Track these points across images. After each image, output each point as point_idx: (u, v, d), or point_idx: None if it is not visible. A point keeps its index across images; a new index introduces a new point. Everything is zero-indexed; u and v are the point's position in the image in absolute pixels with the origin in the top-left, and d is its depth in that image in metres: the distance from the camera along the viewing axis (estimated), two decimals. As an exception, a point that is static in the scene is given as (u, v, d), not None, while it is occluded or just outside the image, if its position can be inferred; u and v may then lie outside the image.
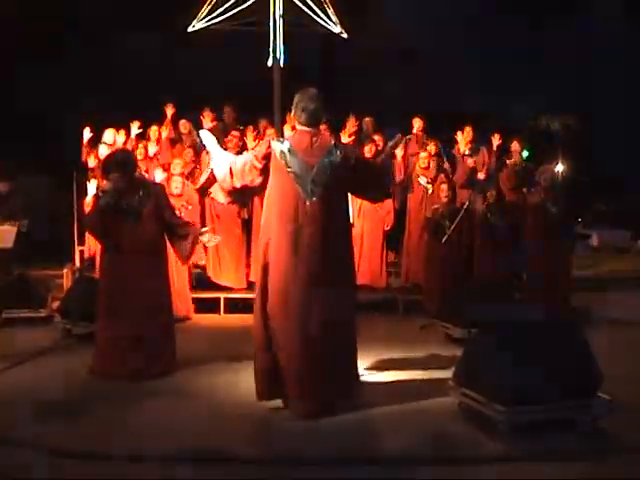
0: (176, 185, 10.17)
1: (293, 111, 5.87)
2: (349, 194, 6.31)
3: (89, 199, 9.70)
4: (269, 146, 5.81)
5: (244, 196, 6.17)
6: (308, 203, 5.64)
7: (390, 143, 6.38)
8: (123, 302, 6.90)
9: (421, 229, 10.78)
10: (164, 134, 11.91)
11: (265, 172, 5.82)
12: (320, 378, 5.58)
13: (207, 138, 6.33)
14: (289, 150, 5.68)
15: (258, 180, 5.86)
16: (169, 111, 12.50)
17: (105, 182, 7.18)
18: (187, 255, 7.21)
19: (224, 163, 6.00)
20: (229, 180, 5.96)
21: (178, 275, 9.78)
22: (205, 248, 10.11)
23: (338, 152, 5.76)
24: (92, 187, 9.63)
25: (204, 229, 7.53)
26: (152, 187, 7.28)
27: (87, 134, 11.56)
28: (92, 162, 11.14)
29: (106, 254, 7.14)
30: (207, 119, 12.37)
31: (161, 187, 7.66)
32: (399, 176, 11.28)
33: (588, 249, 20.21)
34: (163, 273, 7.18)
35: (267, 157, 5.79)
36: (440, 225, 10.13)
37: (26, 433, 5.20)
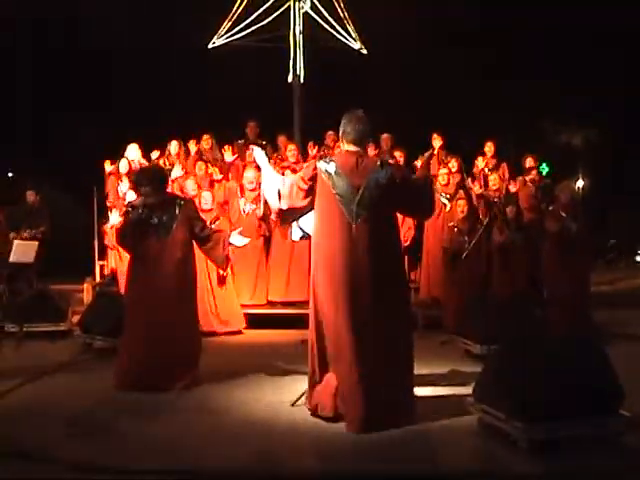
0: (205, 201, 10.22)
1: (340, 132, 5.90)
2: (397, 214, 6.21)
3: (111, 225, 9.95)
4: (315, 168, 5.82)
5: (292, 216, 6.15)
6: (354, 225, 5.64)
7: (425, 155, 6.36)
8: (149, 316, 6.93)
9: (440, 248, 10.73)
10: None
11: (311, 193, 5.83)
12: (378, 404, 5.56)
13: (259, 156, 6.35)
14: (335, 172, 5.69)
15: (303, 203, 5.88)
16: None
17: (137, 196, 7.33)
18: (222, 260, 7.31)
19: (273, 185, 6.02)
20: (277, 202, 5.99)
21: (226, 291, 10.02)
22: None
23: (384, 172, 5.75)
24: (114, 216, 9.70)
25: (234, 231, 7.59)
26: (183, 202, 7.31)
27: (108, 167, 11.63)
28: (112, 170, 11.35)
29: (134, 268, 7.16)
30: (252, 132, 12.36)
31: (191, 202, 7.76)
32: None
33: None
34: (190, 288, 7.20)
35: (313, 179, 5.79)
36: (456, 255, 10.10)
37: (44, 447, 5.20)
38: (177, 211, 7.04)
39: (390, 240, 5.84)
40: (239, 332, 10.08)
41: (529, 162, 11.88)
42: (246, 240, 7.51)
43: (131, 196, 9.92)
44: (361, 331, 5.56)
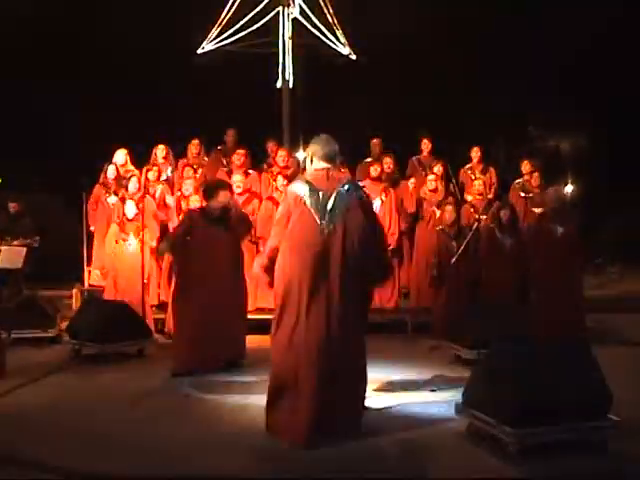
0: (194, 204, 10.23)
1: (310, 154, 6.06)
2: None
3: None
4: (287, 196, 5.98)
5: None
6: (326, 231, 5.69)
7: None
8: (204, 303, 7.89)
9: (429, 255, 10.73)
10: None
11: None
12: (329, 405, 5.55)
13: None
14: (310, 188, 5.79)
15: None
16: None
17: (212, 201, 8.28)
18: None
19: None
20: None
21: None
22: None
23: (354, 188, 5.91)
24: (112, 199, 10.43)
25: None
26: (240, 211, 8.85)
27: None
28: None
29: (188, 265, 8.10)
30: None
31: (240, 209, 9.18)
32: (411, 208, 11.27)
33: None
34: (241, 277, 8.37)
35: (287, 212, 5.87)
36: (441, 274, 10.13)
37: (33, 453, 5.19)
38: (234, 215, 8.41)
39: (360, 251, 5.81)
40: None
41: (525, 166, 11.87)
42: None
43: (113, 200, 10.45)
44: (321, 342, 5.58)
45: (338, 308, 5.61)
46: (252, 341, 9.84)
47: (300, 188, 5.85)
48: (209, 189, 8.43)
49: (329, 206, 5.73)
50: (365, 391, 5.94)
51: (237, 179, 10.71)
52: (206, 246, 8.04)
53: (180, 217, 9.61)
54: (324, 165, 5.93)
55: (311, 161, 6.06)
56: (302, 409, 5.50)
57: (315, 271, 5.63)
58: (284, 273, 5.78)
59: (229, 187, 8.70)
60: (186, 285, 8.11)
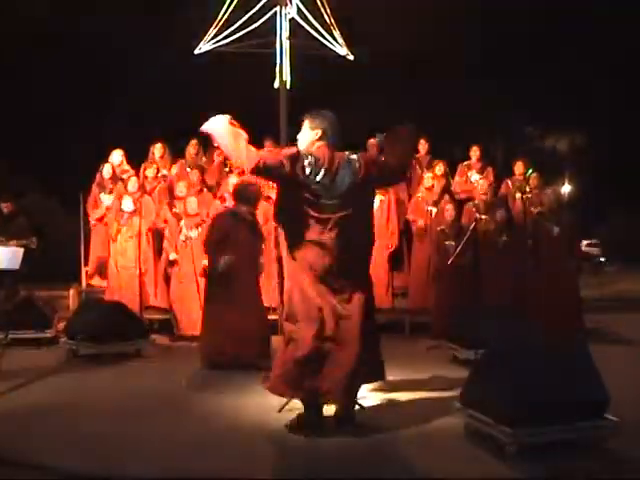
0: (192, 206, 10.23)
1: (320, 130, 5.92)
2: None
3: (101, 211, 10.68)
4: (298, 151, 5.85)
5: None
6: (325, 215, 5.71)
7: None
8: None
9: (427, 255, 10.74)
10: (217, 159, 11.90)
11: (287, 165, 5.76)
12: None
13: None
14: (314, 162, 5.74)
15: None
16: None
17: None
18: None
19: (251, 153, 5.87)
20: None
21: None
22: None
23: (354, 162, 5.84)
24: (106, 199, 10.43)
25: None
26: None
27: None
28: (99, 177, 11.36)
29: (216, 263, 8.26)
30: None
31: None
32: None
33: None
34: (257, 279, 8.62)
35: (296, 158, 5.77)
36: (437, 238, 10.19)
37: (29, 453, 5.20)
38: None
39: (364, 227, 5.92)
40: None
41: (518, 167, 11.85)
42: None
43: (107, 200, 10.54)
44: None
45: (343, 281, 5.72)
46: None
47: (307, 161, 5.76)
48: (242, 191, 8.55)
49: (333, 183, 5.72)
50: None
51: (234, 181, 10.70)
52: (235, 247, 8.19)
53: (210, 218, 9.64)
54: (325, 143, 5.87)
55: (318, 137, 5.91)
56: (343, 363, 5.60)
57: (321, 251, 5.67)
58: (289, 258, 5.84)
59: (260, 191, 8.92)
60: (215, 285, 8.26)
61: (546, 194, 9.85)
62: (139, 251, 9.91)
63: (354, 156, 5.89)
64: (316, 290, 5.69)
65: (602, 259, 22.28)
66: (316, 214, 5.72)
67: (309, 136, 5.95)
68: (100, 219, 11.14)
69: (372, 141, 12.53)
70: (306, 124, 5.99)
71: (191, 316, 9.92)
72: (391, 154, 6.10)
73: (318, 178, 5.72)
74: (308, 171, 5.72)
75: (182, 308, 10.06)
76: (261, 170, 5.72)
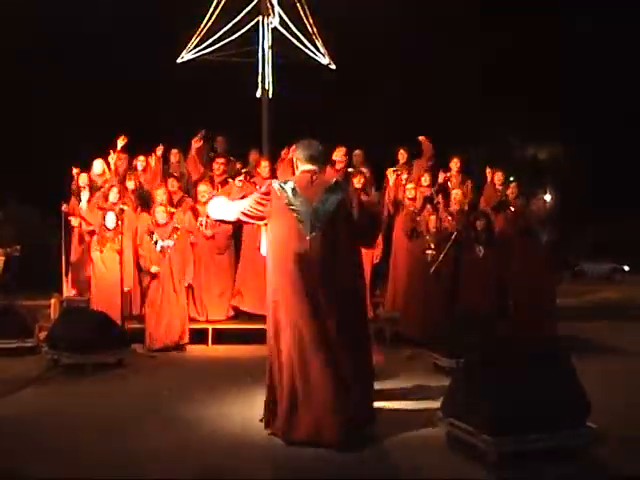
0: (162, 215, 10.18)
1: (295, 158, 6.13)
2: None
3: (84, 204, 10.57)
4: (270, 185, 5.98)
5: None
6: (309, 238, 5.72)
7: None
8: None
9: (407, 263, 10.78)
10: (195, 146, 11.77)
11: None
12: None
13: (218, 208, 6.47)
14: (292, 189, 5.84)
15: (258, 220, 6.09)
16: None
17: None
18: None
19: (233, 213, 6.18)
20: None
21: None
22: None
23: (341, 190, 5.92)
24: (85, 194, 10.49)
25: None
26: None
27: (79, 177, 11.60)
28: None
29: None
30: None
31: None
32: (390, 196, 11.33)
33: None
34: None
35: (267, 193, 5.94)
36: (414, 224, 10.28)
37: (6, 465, 5.17)
38: None
39: (346, 252, 5.89)
40: (183, 348, 10.04)
41: (497, 177, 11.88)
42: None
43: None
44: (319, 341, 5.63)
45: (327, 310, 5.67)
46: (230, 350, 9.89)
47: (284, 189, 5.86)
48: None
49: (313, 212, 5.76)
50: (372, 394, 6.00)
51: (202, 189, 10.70)
52: None
53: None
54: (309, 167, 5.97)
55: (296, 166, 6.10)
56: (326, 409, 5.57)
57: (300, 279, 5.68)
58: (270, 282, 5.89)
59: None
60: None
61: (535, 203, 9.93)
62: (121, 264, 9.85)
63: (341, 184, 6.03)
64: (298, 311, 5.69)
65: (581, 267, 22.41)
66: (301, 241, 5.74)
67: (295, 164, 6.12)
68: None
69: (357, 152, 12.57)
70: (293, 153, 6.18)
71: (167, 327, 9.90)
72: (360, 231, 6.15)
73: (297, 204, 5.78)
74: (287, 199, 5.82)
75: (158, 319, 9.96)
76: (244, 221, 6.16)
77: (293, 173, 6.24)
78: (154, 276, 10.01)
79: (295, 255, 5.72)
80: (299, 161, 6.07)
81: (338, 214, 5.81)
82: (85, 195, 10.58)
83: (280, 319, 5.79)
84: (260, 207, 5.96)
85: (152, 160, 11.76)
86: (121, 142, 11.60)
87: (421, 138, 12.17)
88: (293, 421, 5.63)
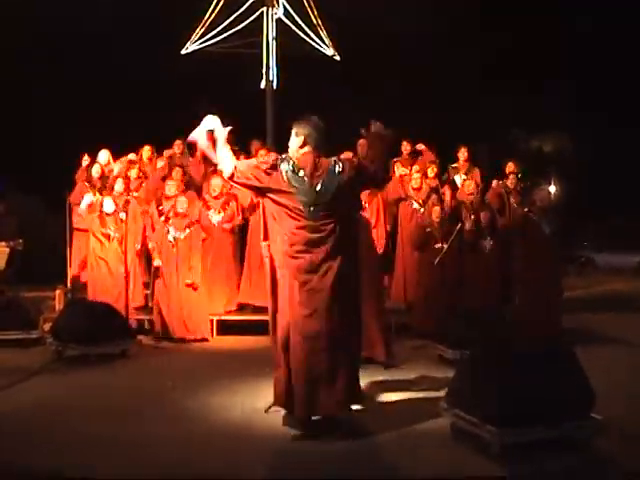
0: (182, 205, 10.17)
1: (303, 137, 5.90)
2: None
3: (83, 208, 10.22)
4: (274, 161, 5.84)
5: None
6: (312, 222, 5.68)
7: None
8: None
9: (411, 248, 10.79)
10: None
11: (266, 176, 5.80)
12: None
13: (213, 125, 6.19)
14: (292, 169, 5.73)
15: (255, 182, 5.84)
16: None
17: None
18: None
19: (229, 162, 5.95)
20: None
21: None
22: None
23: (338, 167, 5.80)
24: (88, 198, 10.15)
25: None
26: None
27: (85, 161, 11.59)
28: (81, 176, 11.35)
29: None
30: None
31: None
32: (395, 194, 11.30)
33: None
34: None
35: (273, 167, 5.79)
36: (426, 238, 10.24)
37: (12, 456, 5.20)
38: None
39: (346, 235, 5.84)
40: (205, 340, 10.02)
41: (509, 167, 11.88)
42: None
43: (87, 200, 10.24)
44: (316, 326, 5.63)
45: (330, 292, 5.64)
46: (236, 342, 9.89)
47: (286, 169, 5.76)
48: None
49: (316, 191, 5.69)
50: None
51: (215, 182, 10.67)
52: None
53: None
54: (310, 149, 5.85)
55: (302, 143, 5.90)
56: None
57: (303, 260, 5.65)
58: (272, 268, 5.85)
59: None
60: None
61: (540, 192, 9.88)
62: (125, 253, 9.84)
63: (339, 161, 5.89)
64: (302, 308, 5.67)
65: (585, 259, 22.34)
66: (301, 222, 5.70)
67: (294, 143, 5.94)
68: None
69: (362, 141, 12.53)
70: (293, 131, 5.98)
71: (172, 319, 9.89)
72: (366, 158, 6.14)
73: (297, 184, 5.70)
74: (286, 178, 5.72)
75: (165, 311, 9.96)
76: (237, 178, 5.81)
77: None
78: (157, 268, 10.04)
79: (294, 234, 5.69)
80: (308, 139, 5.88)
81: (339, 193, 5.74)
82: (87, 199, 10.49)
83: (281, 297, 5.79)
84: (260, 176, 5.76)
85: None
86: (147, 153, 11.68)
87: (421, 147, 12.15)
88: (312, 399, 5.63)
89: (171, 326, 9.84)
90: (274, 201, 5.78)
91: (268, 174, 5.75)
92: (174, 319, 9.83)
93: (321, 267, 5.66)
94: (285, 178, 5.72)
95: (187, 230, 10.05)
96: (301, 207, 5.68)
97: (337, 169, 5.79)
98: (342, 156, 6.14)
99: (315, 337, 5.59)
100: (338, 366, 5.64)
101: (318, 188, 5.71)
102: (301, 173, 5.73)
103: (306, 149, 5.86)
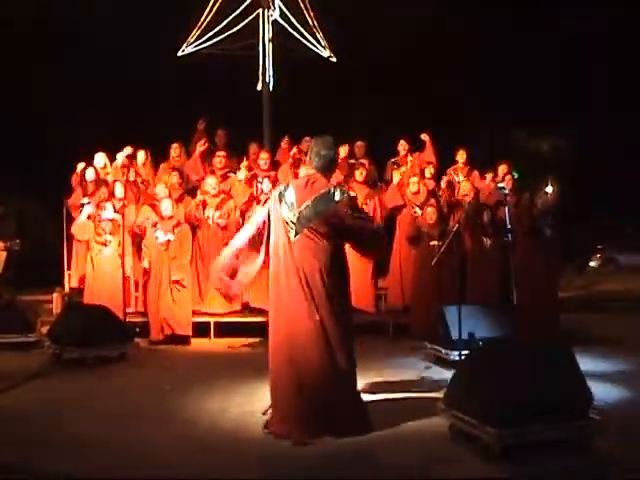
0: (165, 207, 10.17)
1: (308, 156, 6.01)
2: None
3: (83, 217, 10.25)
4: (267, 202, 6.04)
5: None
6: (293, 240, 5.72)
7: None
8: None
9: (408, 247, 10.81)
10: (199, 149, 11.69)
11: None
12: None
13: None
14: (286, 191, 5.82)
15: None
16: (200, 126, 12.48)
17: None
18: None
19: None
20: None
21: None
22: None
23: (337, 194, 5.80)
24: (88, 209, 10.20)
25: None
26: None
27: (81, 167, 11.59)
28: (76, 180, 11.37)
29: None
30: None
31: None
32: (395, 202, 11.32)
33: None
34: None
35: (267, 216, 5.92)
36: (419, 233, 10.30)
37: (10, 458, 5.17)
38: None
39: (330, 254, 5.79)
40: (187, 336, 10.03)
41: (502, 170, 11.88)
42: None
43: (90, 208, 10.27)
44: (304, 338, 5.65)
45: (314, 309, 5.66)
46: (231, 344, 9.88)
47: (281, 189, 5.87)
48: None
49: (297, 214, 5.73)
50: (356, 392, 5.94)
51: (211, 182, 10.69)
52: None
53: None
54: (311, 172, 5.91)
55: (304, 162, 6.07)
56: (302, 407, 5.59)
57: (289, 279, 5.69)
58: (270, 281, 5.89)
59: None
60: None
61: (543, 196, 9.92)
62: (122, 257, 9.83)
63: (343, 190, 5.93)
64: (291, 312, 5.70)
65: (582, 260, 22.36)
66: (287, 244, 5.74)
67: (304, 161, 6.10)
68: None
69: (359, 143, 12.55)
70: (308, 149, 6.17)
71: (164, 320, 9.93)
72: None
73: (285, 211, 5.78)
74: (278, 199, 5.84)
75: (156, 312, 9.99)
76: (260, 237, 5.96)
77: (292, 165, 6.20)
78: (147, 270, 10.09)
79: (284, 259, 5.74)
80: (311, 160, 5.93)
81: (323, 219, 5.73)
82: (87, 210, 10.45)
83: (275, 319, 5.83)
84: (262, 217, 5.95)
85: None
86: (141, 158, 11.67)
87: (425, 138, 12.20)
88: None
89: (158, 324, 9.89)
90: (273, 229, 5.88)
91: (266, 222, 5.92)
92: (161, 317, 9.88)
93: (308, 286, 5.65)
94: (278, 201, 5.83)
95: (175, 230, 10.10)
96: (288, 230, 5.74)
97: (336, 196, 5.79)
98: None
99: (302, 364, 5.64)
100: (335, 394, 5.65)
101: (302, 207, 5.74)
102: (292, 192, 5.80)
103: (307, 171, 6.07)
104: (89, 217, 10.26)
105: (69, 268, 11.56)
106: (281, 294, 5.75)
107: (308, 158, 6.04)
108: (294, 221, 5.73)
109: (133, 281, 10.62)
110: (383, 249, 6.38)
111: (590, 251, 21.62)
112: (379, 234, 6.41)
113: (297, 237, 5.71)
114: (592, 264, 21.38)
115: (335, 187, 5.93)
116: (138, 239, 10.61)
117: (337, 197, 5.77)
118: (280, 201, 5.82)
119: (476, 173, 12.24)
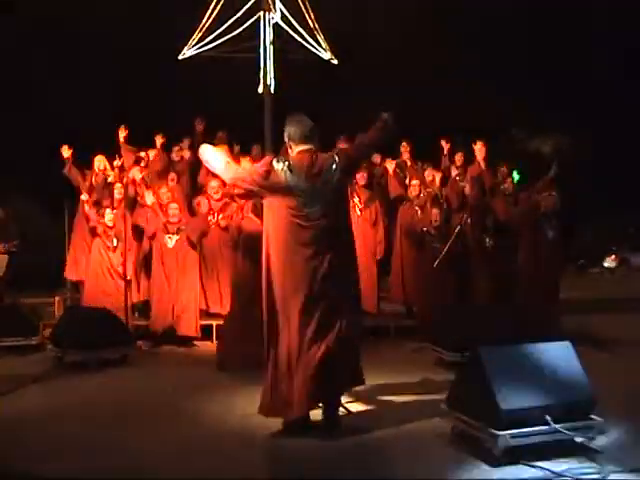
0: (173, 213, 10.19)
1: (286, 135, 5.92)
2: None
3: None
4: (270, 163, 5.83)
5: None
6: (309, 222, 5.68)
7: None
8: None
9: (410, 248, 10.81)
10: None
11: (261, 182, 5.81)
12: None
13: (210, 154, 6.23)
14: (289, 168, 5.72)
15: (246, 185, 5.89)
16: (199, 126, 12.48)
17: None
18: None
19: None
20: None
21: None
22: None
23: (335, 163, 5.79)
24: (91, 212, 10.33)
25: None
26: None
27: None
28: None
29: None
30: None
31: None
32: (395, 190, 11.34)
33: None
34: None
35: (268, 171, 5.79)
36: (423, 239, 10.28)
37: (13, 461, 5.19)
38: None
39: (344, 234, 5.87)
40: (192, 339, 10.05)
41: (502, 171, 11.84)
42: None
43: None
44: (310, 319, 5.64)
45: (327, 290, 5.66)
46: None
47: (282, 168, 5.75)
48: None
49: (316, 190, 5.68)
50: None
51: (214, 185, 10.69)
52: None
53: None
54: (306, 147, 5.83)
55: (290, 147, 5.91)
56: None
57: (304, 264, 5.64)
58: (271, 271, 5.80)
59: None
60: None
61: (547, 198, 9.90)
62: (124, 260, 9.84)
63: (336, 156, 5.89)
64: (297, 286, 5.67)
65: (584, 261, 22.34)
66: (301, 222, 5.69)
67: (289, 145, 5.95)
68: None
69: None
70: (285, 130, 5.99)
71: (165, 317, 9.98)
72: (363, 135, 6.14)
73: (294, 183, 5.68)
74: (283, 177, 5.71)
75: (157, 309, 10.03)
76: (236, 184, 5.94)
77: None
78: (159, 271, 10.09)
79: (295, 236, 5.68)
80: (292, 142, 5.87)
81: (336, 191, 5.77)
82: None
83: (277, 294, 5.77)
84: (257, 181, 5.80)
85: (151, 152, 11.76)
86: (122, 133, 11.65)
87: (446, 147, 12.25)
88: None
89: (163, 324, 9.91)
90: (275, 200, 5.78)
91: (265, 177, 5.75)
92: (166, 317, 9.89)
93: (316, 262, 5.65)
94: (283, 177, 5.71)
95: (180, 231, 10.14)
96: (300, 206, 5.67)
97: (334, 166, 5.78)
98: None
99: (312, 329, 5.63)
100: (338, 353, 5.64)
101: (318, 187, 5.71)
102: (298, 172, 5.72)
103: (300, 147, 5.85)
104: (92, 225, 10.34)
105: (71, 271, 11.53)
106: (291, 275, 5.68)
107: (289, 139, 5.89)
108: (309, 199, 5.67)
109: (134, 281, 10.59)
110: (394, 128, 6.30)
111: (603, 252, 21.60)
112: (384, 129, 6.19)
113: (314, 215, 5.67)
114: (606, 265, 21.34)
115: (333, 156, 5.87)
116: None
117: (335, 165, 5.77)
118: (282, 173, 5.71)
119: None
